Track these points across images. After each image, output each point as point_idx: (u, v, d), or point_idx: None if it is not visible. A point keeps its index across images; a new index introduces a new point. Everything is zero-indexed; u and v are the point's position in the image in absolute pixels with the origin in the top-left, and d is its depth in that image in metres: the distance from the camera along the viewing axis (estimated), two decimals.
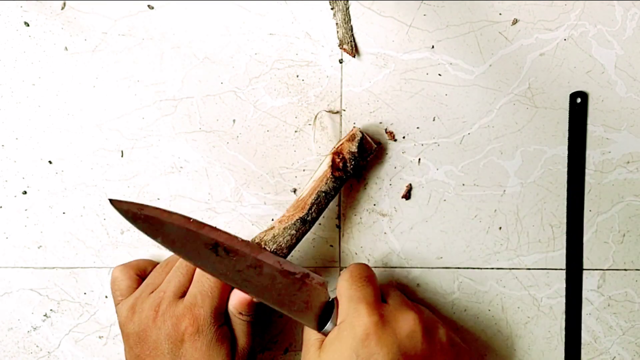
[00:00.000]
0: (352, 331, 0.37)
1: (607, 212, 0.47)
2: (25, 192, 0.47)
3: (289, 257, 0.42)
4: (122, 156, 0.47)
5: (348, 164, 0.43)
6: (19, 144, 0.47)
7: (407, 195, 0.47)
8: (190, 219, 0.39)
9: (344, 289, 0.40)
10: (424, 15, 0.45)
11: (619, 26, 0.45)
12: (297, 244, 0.42)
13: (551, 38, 0.45)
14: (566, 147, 0.46)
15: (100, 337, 0.49)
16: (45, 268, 0.48)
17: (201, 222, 0.39)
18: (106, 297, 0.48)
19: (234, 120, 0.46)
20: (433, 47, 0.45)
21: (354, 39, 0.45)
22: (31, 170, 0.47)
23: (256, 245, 0.41)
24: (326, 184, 0.42)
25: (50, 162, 0.47)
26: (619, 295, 0.48)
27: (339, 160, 0.43)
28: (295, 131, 0.46)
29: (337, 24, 0.45)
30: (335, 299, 0.41)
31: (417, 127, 0.46)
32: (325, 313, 0.41)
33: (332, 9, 0.45)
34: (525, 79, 0.45)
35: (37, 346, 0.49)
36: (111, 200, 0.38)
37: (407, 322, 0.38)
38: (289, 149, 0.47)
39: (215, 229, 0.39)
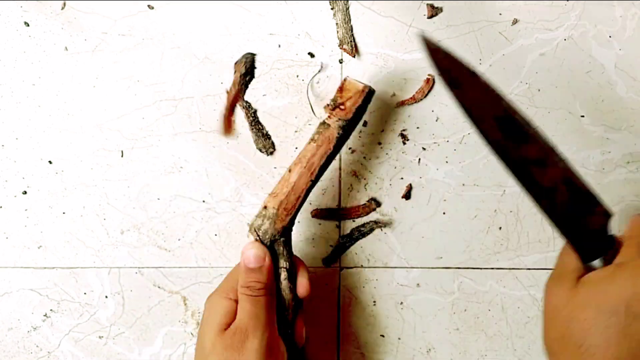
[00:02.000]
0: (633, 280, 0.32)
1: None
2: (25, 192, 0.47)
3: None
4: (122, 156, 0.47)
5: (342, 107, 0.41)
6: (19, 144, 0.46)
7: (407, 195, 0.47)
8: (487, 83, 0.34)
9: (636, 230, 0.35)
10: (423, 15, 0.45)
11: (619, 26, 0.45)
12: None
13: (551, 38, 0.45)
14: (566, 147, 0.46)
15: (100, 337, 0.49)
16: (45, 268, 0.48)
17: (496, 93, 0.34)
18: (106, 297, 0.48)
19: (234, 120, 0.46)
20: None
21: (354, 39, 0.45)
22: (31, 170, 0.47)
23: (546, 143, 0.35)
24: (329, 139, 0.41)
25: (50, 162, 0.47)
26: None
27: (331, 106, 0.41)
28: (295, 131, 0.46)
29: (337, 24, 0.45)
30: (619, 238, 0.36)
31: (417, 127, 0.46)
32: (598, 247, 0.36)
33: (332, 9, 0.45)
34: (525, 79, 0.45)
35: (37, 346, 0.49)
36: (423, 37, 0.33)
37: None
38: (289, 149, 0.47)
39: (510, 105, 0.35)
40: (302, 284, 0.42)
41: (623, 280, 0.33)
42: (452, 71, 0.34)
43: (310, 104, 0.45)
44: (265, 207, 0.41)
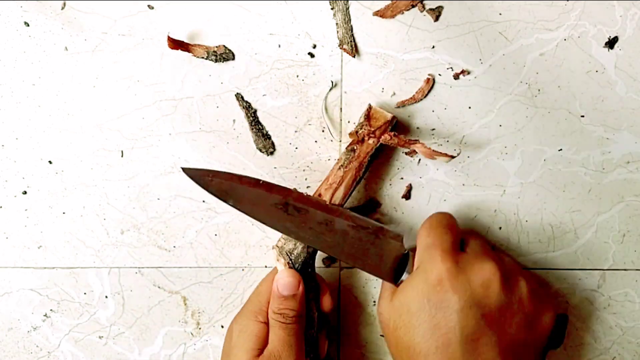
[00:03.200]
0: (424, 276, 0.37)
1: (607, 212, 0.47)
2: (25, 192, 0.47)
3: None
4: (122, 156, 0.47)
5: (366, 137, 0.42)
6: (19, 144, 0.46)
7: (407, 195, 0.47)
8: (260, 181, 0.40)
9: (422, 237, 0.40)
10: (424, 16, 0.45)
11: (619, 26, 0.45)
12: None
13: (551, 38, 0.45)
14: (566, 147, 0.46)
15: (100, 337, 0.49)
16: (45, 268, 0.48)
17: (270, 183, 0.40)
18: (106, 297, 0.48)
19: (234, 120, 0.46)
20: (433, 47, 0.45)
21: (354, 39, 0.45)
22: (31, 170, 0.47)
23: (325, 203, 0.41)
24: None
25: (50, 162, 0.47)
26: (619, 295, 0.48)
27: (361, 135, 0.42)
28: (295, 131, 0.46)
29: (337, 24, 0.45)
30: (411, 250, 0.40)
31: (417, 127, 0.46)
32: (402, 265, 0.40)
33: (332, 9, 0.44)
34: (525, 79, 0.45)
35: (37, 346, 0.49)
36: (183, 169, 0.40)
37: (483, 271, 0.37)
38: (289, 149, 0.47)
39: (284, 188, 0.40)
40: (327, 300, 0.44)
41: (418, 280, 0.38)
42: (222, 185, 0.40)
43: (327, 127, 0.46)
44: None
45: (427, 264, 0.38)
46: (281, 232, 0.40)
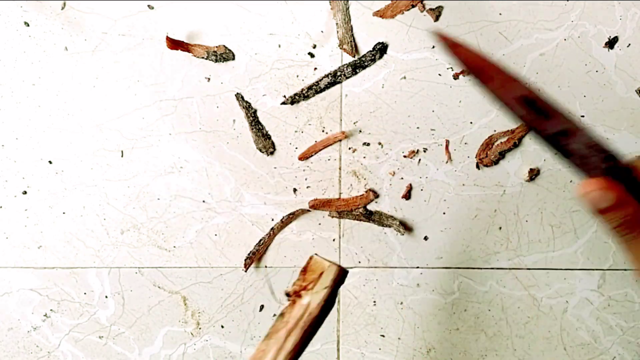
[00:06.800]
0: None
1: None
2: (25, 192, 0.47)
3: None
4: (122, 156, 0.47)
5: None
6: (19, 144, 0.47)
7: (407, 195, 0.47)
8: (504, 69, 0.36)
9: None
10: (424, 16, 0.45)
11: (619, 26, 0.45)
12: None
13: (551, 38, 0.45)
14: None
15: (100, 337, 0.49)
16: (45, 268, 0.48)
17: (514, 77, 0.36)
18: (106, 297, 0.48)
19: (234, 120, 0.46)
20: (433, 47, 0.45)
21: (354, 39, 0.45)
22: (31, 170, 0.47)
23: (564, 117, 0.37)
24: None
25: (50, 162, 0.47)
26: (619, 295, 0.48)
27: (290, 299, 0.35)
28: (295, 131, 0.46)
29: (337, 24, 0.45)
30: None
31: (417, 127, 0.46)
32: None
33: (332, 9, 0.44)
34: (525, 79, 0.45)
35: (37, 346, 0.49)
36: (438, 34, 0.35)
37: None
38: (289, 149, 0.47)
39: (529, 88, 0.36)
40: None
41: None
42: (477, 64, 0.36)
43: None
44: None
45: None
46: (526, 122, 0.36)
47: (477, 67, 0.36)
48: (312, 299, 0.34)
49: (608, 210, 0.34)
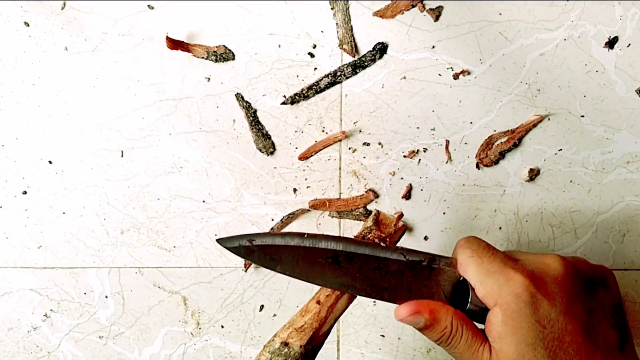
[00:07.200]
0: (517, 299, 0.33)
1: (607, 212, 0.47)
2: (25, 192, 0.47)
3: None
4: (122, 156, 0.47)
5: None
6: (19, 144, 0.47)
7: (407, 195, 0.47)
8: (304, 234, 0.36)
9: (474, 266, 0.35)
10: (424, 16, 0.45)
11: (619, 26, 0.45)
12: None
13: (551, 38, 0.45)
14: (566, 147, 0.46)
15: (100, 337, 0.49)
16: (45, 268, 0.48)
17: (314, 234, 0.36)
18: (106, 297, 0.48)
19: (234, 120, 0.46)
20: (433, 47, 0.45)
21: (354, 39, 0.45)
22: (31, 170, 0.47)
23: (372, 242, 0.37)
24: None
25: (50, 162, 0.47)
26: None
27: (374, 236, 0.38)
28: (295, 131, 0.46)
29: (337, 24, 0.45)
30: (469, 282, 0.36)
31: (417, 127, 0.46)
32: (457, 292, 0.36)
33: (332, 9, 0.44)
34: (525, 79, 0.45)
35: (37, 346, 0.49)
36: (218, 240, 0.36)
37: (547, 261, 0.35)
38: (289, 149, 0.47)
39: (329, 237, 0.36)
40: None
41: (516, 307, 0.33)
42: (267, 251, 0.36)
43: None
44: (285, 344, 0.35)
45: (507, 287, 0.34)
46: (335, 288, 0.36)
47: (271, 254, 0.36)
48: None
49: (425, 329, 0.35)
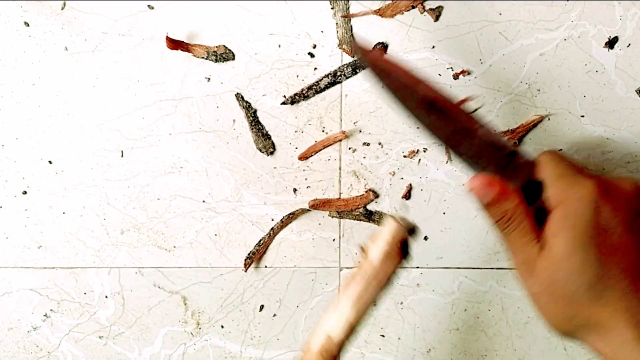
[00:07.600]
0: (581, 200, 0.33)
1: None
2: (25, 192, 0.47)
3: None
4: (122, 156, 0.47)
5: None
6: (19, 144, 0.47)
7: (407, 195, 0.47)
8: (410, 71, 0.37)
9: (554, 166, 0.36)
10: (424, 16, 0.45)
11: (619, 26, 0.45)
12: None
13: (551, 38, 0.45)
14: (566, 147, 0.46)
15: (100, 337, 0.49)
16: (45, 268, 0.48)
17: (417, 79, 0.37)
18: (106, 297, 0.48)
19: (234, 120, 0.46)
20: (433, 47, 0.45)
21: (354, 39, 0.45)
22: (31, 170, 0.47)
23: (467, 114, 0.38)
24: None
25: (50, 162, 0.47)
26: None
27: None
28: (295, 131, 0.46)
29: (337, 24, 0.45)
30: (543, 181, 0.36)
31: (417, 127, 0.46)
32: (527, 191, 0.37)
33: (332, 8, 0.44)
34: (525, 79, 0.45)
35: (37, 346, 0.49)
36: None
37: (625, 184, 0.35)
38: (289, 149, 0.47)
39: (431, 88, 0.37)
40: None
41: (576, 207, 0.34)
42: (384, 67, 0.37)
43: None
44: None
45: (575, 189, 0.34)
46: (425, 127, 0.38)
47: (383, 70, 0.37)
48: (375, 253, 0.38)
49: (489, 206, 0.36)
